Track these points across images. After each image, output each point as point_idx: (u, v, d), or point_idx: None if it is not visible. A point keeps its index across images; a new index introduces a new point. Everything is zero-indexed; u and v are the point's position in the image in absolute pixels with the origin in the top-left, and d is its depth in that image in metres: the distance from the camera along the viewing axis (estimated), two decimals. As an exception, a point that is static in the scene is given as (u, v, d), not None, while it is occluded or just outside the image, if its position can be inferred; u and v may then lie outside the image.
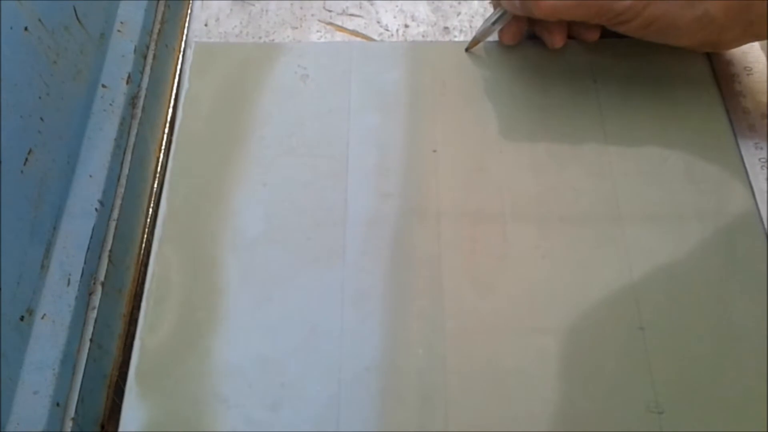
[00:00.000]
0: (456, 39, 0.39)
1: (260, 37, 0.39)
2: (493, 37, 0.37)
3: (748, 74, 0.36)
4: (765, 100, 0.35)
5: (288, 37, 0.39)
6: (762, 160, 0.33)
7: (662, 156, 0.33)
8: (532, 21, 0.36)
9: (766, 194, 0.32)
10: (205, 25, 0.39)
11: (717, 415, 0.27)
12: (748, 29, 0.32)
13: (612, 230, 0.32)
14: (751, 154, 0.33)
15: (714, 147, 0.34)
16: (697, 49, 0.35)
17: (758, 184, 0.33)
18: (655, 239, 0.31)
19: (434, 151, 0.34)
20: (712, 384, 0.28)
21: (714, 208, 0.32)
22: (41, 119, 0.29)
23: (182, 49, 0.40)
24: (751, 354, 0.29)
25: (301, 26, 0.39)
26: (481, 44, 0.37)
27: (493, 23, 0.35)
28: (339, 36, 0.39)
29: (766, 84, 0.35)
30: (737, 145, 0.34)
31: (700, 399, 0.28)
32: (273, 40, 0.39)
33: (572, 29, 0.36)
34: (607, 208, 0.32)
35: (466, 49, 0.37)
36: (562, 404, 0.28)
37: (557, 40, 0.35)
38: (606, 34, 0.35)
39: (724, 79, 0.36)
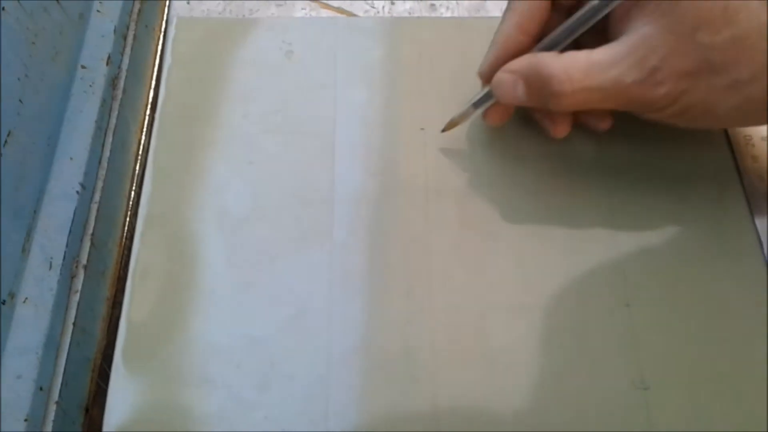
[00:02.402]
0: (443, 15, 0.38)
1: (243, 15, 0.38)
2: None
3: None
4: None
5: (272, 14, 0.38)
6: (746, 137, 0.33)
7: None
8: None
9: (751, 171, 0.33)
10: (188, 2, 0.39)
11: (702, 391, 0.28)
12: None
13: (599, 205, 0.32)
14: (736, 131, 0.34)
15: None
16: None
17: (743, 161, 0.33)
18: (641, 215, 0.31)
19: (422, 128, 0.33)
20: (698, 360, 0.28)
21: (700, 183, 0.32)
22: (20, 101, 0.28)
23: (162, 30, 0.39)
24: (737, 329, 0.29)
25: (285, 3, 0.39)
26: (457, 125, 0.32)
27: (474, 104, 0.31)
28: (324, 13, 0.38)
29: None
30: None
31: (685, 375, 0.28)
32: (257, 17, 0.38)
33: (580, 117, 0.31)
34: (595, 181, 0.32)
35: (442, 131, 0.32)
36: (549, 381, 0.28)
37: (561, 129, 0.30)
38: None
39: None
